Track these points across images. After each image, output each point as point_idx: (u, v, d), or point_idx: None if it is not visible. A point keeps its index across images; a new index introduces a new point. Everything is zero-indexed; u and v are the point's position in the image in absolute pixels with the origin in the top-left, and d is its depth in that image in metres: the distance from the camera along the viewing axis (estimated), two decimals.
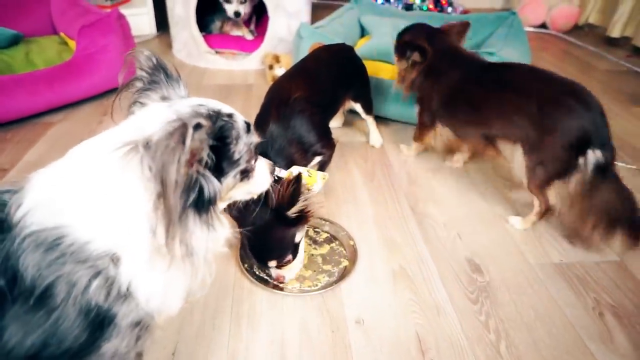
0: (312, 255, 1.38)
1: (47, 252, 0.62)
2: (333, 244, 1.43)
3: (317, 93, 1.47)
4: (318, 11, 3.31)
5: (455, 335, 1.14)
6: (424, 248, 1.43)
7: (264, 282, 1.27)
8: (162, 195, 0.59)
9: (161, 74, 0.76)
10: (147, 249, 0.66)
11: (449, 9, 3.27)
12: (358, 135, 2.10)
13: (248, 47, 2.90)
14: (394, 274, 1.33)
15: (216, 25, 3.00)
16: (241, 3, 2.78)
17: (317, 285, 1.27)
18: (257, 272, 1.30)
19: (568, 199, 1.37)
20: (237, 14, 2.78)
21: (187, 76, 2.73)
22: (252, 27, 3.06)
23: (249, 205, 0.97)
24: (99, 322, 0.68)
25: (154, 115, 0.69)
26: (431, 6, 3.24)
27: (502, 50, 2.03)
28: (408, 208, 1.62)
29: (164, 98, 0.76)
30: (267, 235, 1.14)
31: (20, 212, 0.62)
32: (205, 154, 0.64)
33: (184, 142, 0.58)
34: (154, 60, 0.75)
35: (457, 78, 1.58)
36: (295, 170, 1.21)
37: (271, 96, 1.44)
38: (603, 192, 1.32)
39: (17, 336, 0.62)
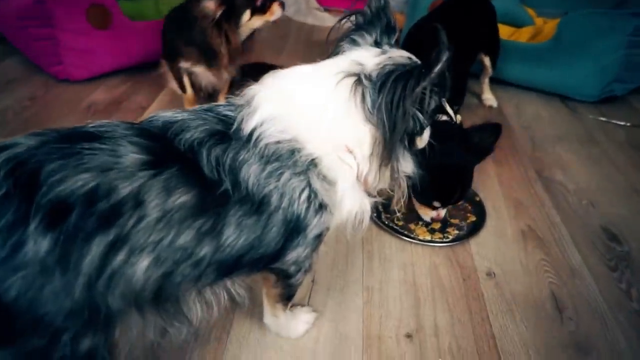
0: None
1: (269, 163, 0.67)
2: None
3: (462, 47, 1.45)
4: None
5: (593, 299, 1.11)
6: (554, 212, 1.39)
7: (392, 229, 1.29)
8: (387, 126, 0.65)
9: (383, 20, 0.79)
10: (357, 171, 0.71)
11: None
12: (470, 97, 2.04)
13: (357, 4, 2.87)
14: (522, 233, 1.30)
15: None
16: None
17: (448, 237, 1.28)
18: (385, 221, 1.32)
19: None
20: None
21: (296, 32, 2.78)
22: None
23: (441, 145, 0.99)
24: (292, 232, 0.74)
25: (371, 56, 0.74)
26: None
27: None
28: (533, 172, 1.56)
29: (377, 43, 0.79)
30: (464, 174, 1.20)
31: (250, 125, 0.68)
32: (427, 97, 0.69)
33: (418, 83, 0.64)
34: (383, 3, 0.79)
35: None
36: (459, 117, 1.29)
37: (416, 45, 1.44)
38: None
39: (233, 236, 0.68)
